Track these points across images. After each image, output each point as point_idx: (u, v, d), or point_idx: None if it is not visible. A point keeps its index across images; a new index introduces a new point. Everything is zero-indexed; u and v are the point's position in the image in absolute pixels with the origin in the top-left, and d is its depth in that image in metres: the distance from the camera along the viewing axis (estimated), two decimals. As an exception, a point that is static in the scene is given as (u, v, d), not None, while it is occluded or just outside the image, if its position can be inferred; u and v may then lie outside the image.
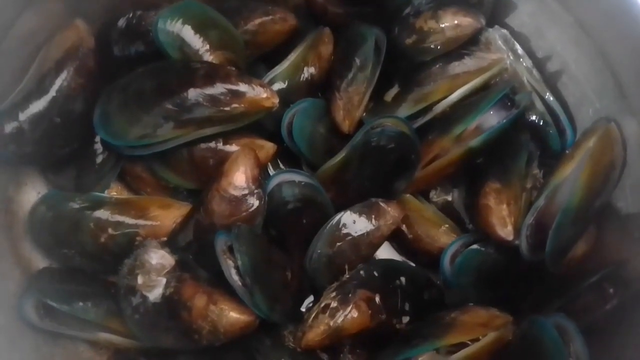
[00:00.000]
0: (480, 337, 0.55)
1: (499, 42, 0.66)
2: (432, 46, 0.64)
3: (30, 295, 0.58)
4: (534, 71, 0.66)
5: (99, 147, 0.62)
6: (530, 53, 0.66)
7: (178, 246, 0.59)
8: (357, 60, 0.65)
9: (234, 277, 0.54)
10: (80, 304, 0.57)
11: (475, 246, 0.61)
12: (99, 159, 0.62)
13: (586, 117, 0.63)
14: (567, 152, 0.62)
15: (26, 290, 0.59)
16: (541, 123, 0.65)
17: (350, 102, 0.65)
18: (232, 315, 0.54)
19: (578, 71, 0.63)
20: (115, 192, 0.62)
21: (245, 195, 0.58)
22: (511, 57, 0.66)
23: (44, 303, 0.57)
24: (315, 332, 0.56)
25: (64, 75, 0.58)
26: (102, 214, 0.60)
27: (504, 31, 0.67)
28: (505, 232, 0.59)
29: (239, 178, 0.58)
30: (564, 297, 0.58)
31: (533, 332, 0.55)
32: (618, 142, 0.59)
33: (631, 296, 0.56)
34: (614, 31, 0.57)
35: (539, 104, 0.65)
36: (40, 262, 0.62)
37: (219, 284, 0.56)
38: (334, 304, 0.57)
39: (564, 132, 0.64)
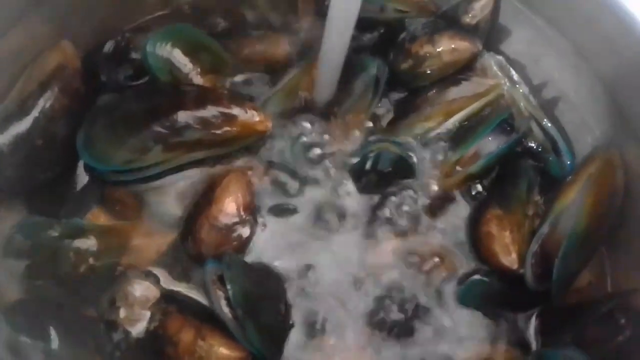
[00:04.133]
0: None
1: (495, 68, 0.65)
2: (428, 71, 0.64)
3: (1, 330, 0.54)
4: (531, 97, 0.65)
5: (81, 171, 0.60)
6: (526, 80, 0.66)
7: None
8: (357, 89, 0.64)
9: (225, 309, 0.51)
10: (57, 340, 0.53)
11: (477, 277, 0.59)
12: (82, 184, 0.60)
13: (585, 144, 0.62)
14: (568, 178, 0.61)
15: (-3, 325, 0.55)
16: (540, 149, 0.64)
17: (347, 130, 0.63)
18: (222, 352, 0.51)
19: (576, 97, 0.63)
20: (97, 218, 0.59)
21: (236, 223, 0.56)
22: (507, 84, 0.65)
23: (17, 339, 0.53)
24: None
25: (47, 96, 0.56)
26: (83, 242, 0.56)
27: (499, 57, 0.66)
28: (510, 260, 0.56)
29: (230, 205, 0.56)
30: (574, 328, 0.55)
31: (542, 367, 0.52)
32: (620, 167, 0.58)
33: (644, 327, 0.54)
34: (613, 55, 0.56)
35: (536, 130, 0.64)
36: (14, 294, 0.58)
37: (208, 317, 0.52)
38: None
39: (563, 158, 0.63)
